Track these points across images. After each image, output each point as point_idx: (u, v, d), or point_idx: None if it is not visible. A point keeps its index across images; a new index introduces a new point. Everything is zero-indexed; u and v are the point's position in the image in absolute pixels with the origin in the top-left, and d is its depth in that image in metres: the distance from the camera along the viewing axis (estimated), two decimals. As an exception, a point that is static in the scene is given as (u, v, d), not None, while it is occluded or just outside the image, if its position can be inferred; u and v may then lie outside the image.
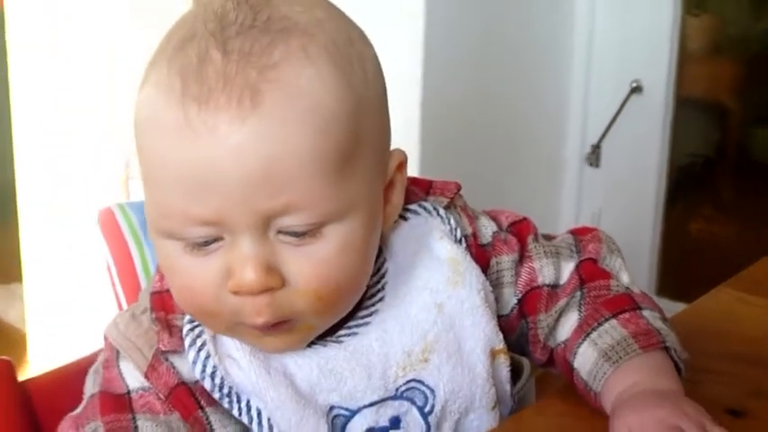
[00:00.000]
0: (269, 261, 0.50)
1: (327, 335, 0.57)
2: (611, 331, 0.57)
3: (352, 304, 0.56)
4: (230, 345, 0.55)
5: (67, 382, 0.64)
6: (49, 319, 2.01)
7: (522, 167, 1.92)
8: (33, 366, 1.79)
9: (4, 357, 0.65)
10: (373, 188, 0.55)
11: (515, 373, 0.68)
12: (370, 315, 0.58)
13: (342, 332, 0.57)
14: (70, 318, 1.90)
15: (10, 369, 0.65)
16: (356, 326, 0.58)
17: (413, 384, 0.58)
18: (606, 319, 0.58)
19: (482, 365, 0.59)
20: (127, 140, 0.74)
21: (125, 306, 0.71)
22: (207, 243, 0.50)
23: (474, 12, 1.76)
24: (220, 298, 0.50)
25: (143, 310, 0.58)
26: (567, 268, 0.62)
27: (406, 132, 1.61)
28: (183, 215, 0.49)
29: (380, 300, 0.59)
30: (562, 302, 0.60)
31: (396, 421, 0.58)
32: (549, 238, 0.65)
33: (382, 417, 0.58)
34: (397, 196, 0.59)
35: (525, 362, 0.71)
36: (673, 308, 0.81)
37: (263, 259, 0.49)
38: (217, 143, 0.46)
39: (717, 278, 0.80)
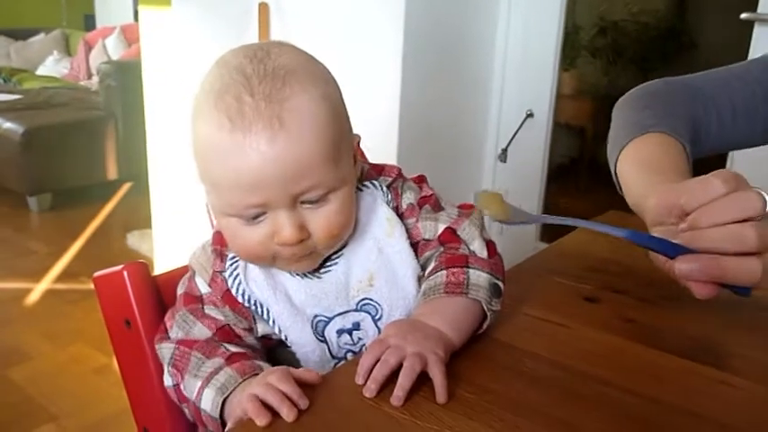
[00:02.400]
0: (299, 223, 0.63)
1: (313, 272, 0.70)
2: (436, 278, 0.67)
3: (345, 239, 0.69)
4: (254, 273, 0.69)
5: (180, 277, 0.76)
6: (167, 251, 2.58)
7: (457, 160, 2.28)
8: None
9: (141, 260, 0.78)
10: (350, 163, 0.67)
11: None
12: (338, 257, 0.70)
13: (321, 270, 0.70)
14: (179, 249, 2.37)
15: (146, 268, 0.78)
16: (329, 265, 0.70)
17: (366, 301, 0.70)
18: (439, 270, 0.67)
19: (411, 286, 0.70)
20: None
21: None
22: (256, 217, 0.63)
23: (433, 53, 2.10)
24: (267, 248, 0.65)
25: (208, 244, 0.72)
26: (440, 230, 0.71)
27: (387, 133, 2.01)
28: (242, 204, 0.62)
29: (345, 246, 0.70)
30: (428, 253, 0.71)
31: (357, 325, 0.71)
32: (453, 206, 0.74)
33: (347, 322, 0.70)
34: (357, 165, 0.69)
35: None
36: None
37: (295, 222, 0.63)
38: (260, 156, 0.59)
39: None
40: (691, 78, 0.98)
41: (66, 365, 2.22)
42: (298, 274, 0.70)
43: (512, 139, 2.40)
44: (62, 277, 2.87)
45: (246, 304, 0.69)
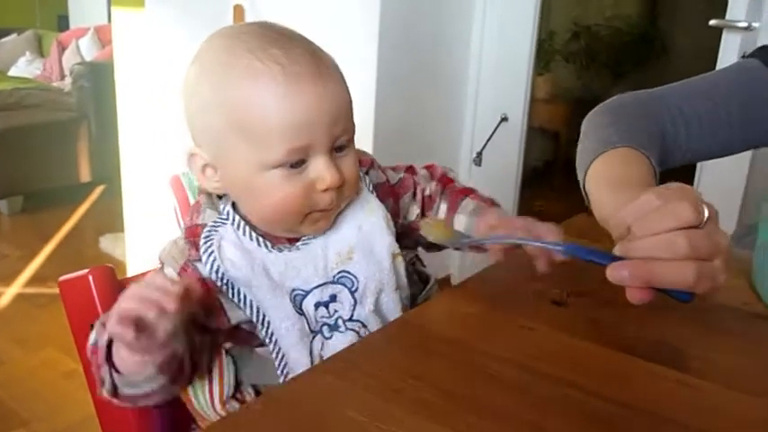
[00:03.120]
0: (337, 167, 0.69)
1: (290, 243, 0.73)
2: (469, 203, 0.80)
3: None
4: (230, 253, 0.70)
5: None
6: (140, 254, 2.58)
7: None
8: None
9: (107, 264, 0.79)
10: None
11: (424, 282, 0.86)
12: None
13: (299, 243, 0.73)
14: (153, 253, 2.43)
15: (112, 272, 0.78)
16: (307, 239, 0.74)
17: (343, 274, 0.74)
18: (463, 199, 0.81)
19: (386, 262, 0.76)
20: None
21: None
22: (297, 165, 0.67)
23: (408, 57, 2.14)
24: (307, 200, 0.68)
25: (179, 239, 0.74)
26: (431, 184, 0.84)
27: (361, 137, 2.22)
28: (291, 146, 0.65)
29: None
30: (437, 202, 0.83)
31: (333, 297, 0.74)
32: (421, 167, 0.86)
33: (324, 294, 0.73)
34: None
35: (431, 274, 0.87)
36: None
37: (335, 166, 0.68)
38: (313, 95, 0.65)
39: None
40: (659, 90, 1.00)
41: (36, 370, 2.19)
42: (275, 248, 0.72)
43: (486, 142, 2.45)
44: (33, 281, 2.83)
45: (219, 284, 0.69)
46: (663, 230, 0.56)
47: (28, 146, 3.61)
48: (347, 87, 0.70)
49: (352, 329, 0.74)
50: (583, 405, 0.59)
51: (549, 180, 3.58)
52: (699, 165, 2.01)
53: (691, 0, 3.81)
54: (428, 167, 0.86)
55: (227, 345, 0.76)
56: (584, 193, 0.87)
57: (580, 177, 0.88)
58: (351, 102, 0.70)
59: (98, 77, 3.67)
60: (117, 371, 0.65)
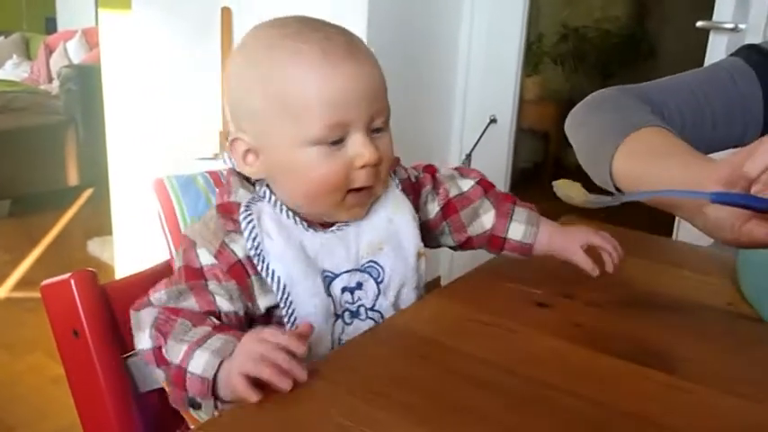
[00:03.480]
0: (375, 146, 0.71)
1: (327, 227, 0.75)
2: (520, 212, 0.82)
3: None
4: (268, 225, 0.72)
5: (131, 285, 0.79)
6: (128, 258, 2.56)
7: (423, 167, 2.46)
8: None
9: (89, 269, 0.77)
10: None
11: None
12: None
13: (334, 227, 0.76)
14: (141, 256, 2.33)
15: (94, 276, 0.77)
16: (341, 225, 0.76)
17: (371, 264, 0.76)
18: (513, 207, 0.83)
19: (412, 259, 0.78)
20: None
21: (171, 242, 0.82)
22: (337, 142, 0.70)
23: (396, 60, 2.05)
24: (348, 175, 0.71)
25: (210, 219, 0.73)
26: (466, 183, 0.83)
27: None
28: (332, 122, 0.69)
29: None
30: (476, 204, 0.82)
31: (360, 285, 0.76)
32: (445, 170, 0.86)
33: (352, 281, 0.75)
34: None
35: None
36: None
37: (374, 144, 0.71)
38: (353, 75, 0.69)
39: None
40: (644, 86, 1.01)
41: (23, 375, 2.17)
42: (312, 228, 0.74)
43: (476, 144, 2.42)
44: (21, 285, 2.80)
45: (254, 253, 0.70)
46: None
47: (15, 149, 3.59)
48: (382, 72, 0.73)
49: (371, 318, 0.76)
50: (567, 408, 0.59)
51: (539, 181, 3.55)
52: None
53: (678, 2, 3.83)
54: (457, 169, 0.87)
55: None
56: (609, 180, 0.87)
57: (604, 163, 0.88)
58: (385, 86, 0.73)
59: (85, 80, 3.65)
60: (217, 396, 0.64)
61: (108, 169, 2.59)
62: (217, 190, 0.80)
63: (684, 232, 2.07)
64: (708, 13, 1.93)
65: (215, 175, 0.90)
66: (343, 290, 0.74)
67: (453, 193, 0.83)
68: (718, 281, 0.89)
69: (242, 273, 0.70)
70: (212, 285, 0.69)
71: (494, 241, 0.83)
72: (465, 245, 0.85)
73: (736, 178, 0.63)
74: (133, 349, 0.78)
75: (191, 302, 0.68)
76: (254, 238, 0.70)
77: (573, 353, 0.68)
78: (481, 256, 0.94)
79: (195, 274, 0.70)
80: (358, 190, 0.72)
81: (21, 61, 4.92)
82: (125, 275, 0.80)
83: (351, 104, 0.69)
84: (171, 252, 0.83)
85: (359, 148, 0.70)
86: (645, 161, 0.83)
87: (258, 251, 0.70)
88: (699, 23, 1.94)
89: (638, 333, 0.73)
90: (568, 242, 0.78)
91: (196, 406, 0.64)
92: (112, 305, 0.77)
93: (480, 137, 2.42)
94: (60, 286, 0.74)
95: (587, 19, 4.11)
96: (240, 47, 0.74)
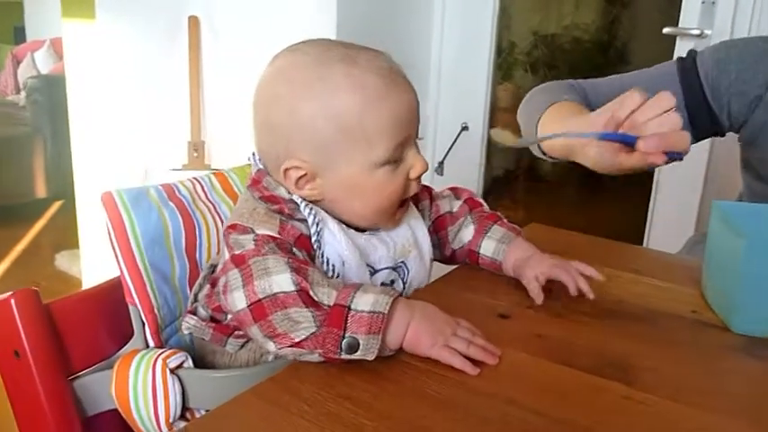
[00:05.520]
0: (422, 156, 0.77)
1: (371, 231, 0.80)
2: (497, 230, 0.87)
3: None
4: (329, 223, 0.76)
5: (76, 304, 0.78)
6: (95, 272, 2.52)
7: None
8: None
9: (33, 287, 0.75)
10: None
11: None
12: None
13: (376, 231, 0.80)
14: (108, 270, 2.37)
15: (37, 295, 0.74)
16: (382, 231, 0.81)
17: (402, 264, 0.82)
18: (491, 225, 0.88)
19: (427, 262, 0.85)
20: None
21: (121, 258, 0.81)
22: (398, 160, 0.74)
23: None
24: (406, 189, 0.76)
25: (253, 208, 0.74)
26: (456, 204, 0.90)
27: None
28: (398, 140, 0.73)
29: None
30: (461, 221, 0.88)
31: (392, 282, 0.81)
32: (443, 191, 0.92)
33: (386, 278, 0.81)
34: None
35: None
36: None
37: (421, 154, 0.77)
38: (409, 95, 0.74)
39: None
40: (581, 81, 1.19)
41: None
42: (359, 229, 0.78)
43: (448, 152, 2.43)
44: (-15, 301, 2.74)
45: (315, 238, 0.73)
46: (657, 114, 0.79)
47: (-18, 161, 3.52)
48: None
49: None
50: (522, 423, 0.57)
51: (512, 188, 3.60)
52: (657, 170, 2.03)
53: (647, 8, 3.86)
54: (452, 189, 0.92)
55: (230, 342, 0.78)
56: (537, 146, 1.08)
57: (531, 127, 1.08)
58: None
59: (53, 91, 3.59)
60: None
61: (74, 191, 2.55)
62: (246, 189, 0.78)
63: (655, 239, 2.07)
64: (675, 20, 1.94)
65: (168, 188, 0.88)
66: (382, 284, 0.79)
67: (444, 210, 0.89)
68: (684, 288, 0.89)
69: (308, 244, 0.73)
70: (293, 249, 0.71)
71: (471, 255, 0.89)
72: (451, 258, 0.91)
73: (611, 121, 0.81)
74: (80, 370, 0.77)
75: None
76: (318, 224, 0.74)
77: (534, 366, 0.67)
78: (442, 268, 0.93)
79: (271, 239, 0.70)
80: (405, 199, 0.78)
81: (-12, 72, 4.83)
82: (70, 293, 0.76)
83: (408, 123, 0.74)
84: (120, 268, 0.81)
85: (412, 160, 0.75)
86: (557, 121, 1.01)
87: (318, 237, 0.73)
88: (665, 30, 1.95)
89: (600, 344, 0.72)
90: (526, 270, 0.82)
91: (353, 348, 0.63)
92: (57, 325, 0.74)
93: (452, 144, 2.42)
94: (1, 306, 0.71)
95: (558, 26, 4.13)
96: (279, 78, 0.74)
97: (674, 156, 0.80)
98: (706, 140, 1.19)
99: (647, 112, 0.79)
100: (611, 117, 0.81)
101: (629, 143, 0.80)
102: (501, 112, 3.01)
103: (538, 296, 0.79)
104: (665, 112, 0.79)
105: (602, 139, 0.83)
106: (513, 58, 3.72)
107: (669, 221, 2.02)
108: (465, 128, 2.41)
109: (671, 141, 0.78)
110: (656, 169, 2.02)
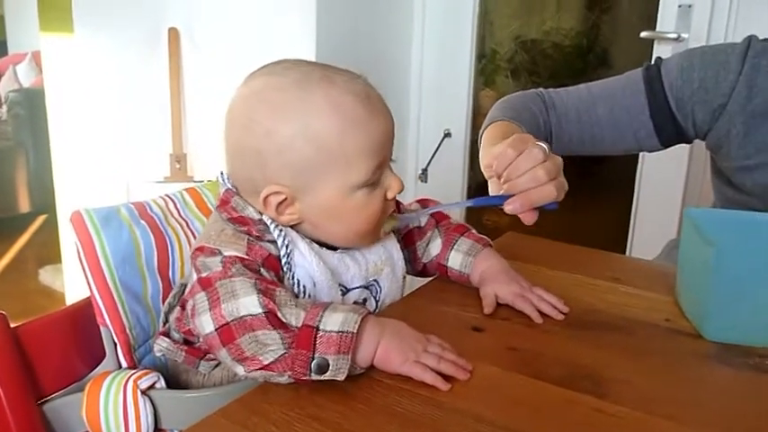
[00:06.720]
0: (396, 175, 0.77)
1: (344, 250, 0.79)
2: (464, 242, 0.87)
3: None
4: (299, 243, 0.75)
5: (44, 328, 0.77)
6: (78, 286, 2.40)
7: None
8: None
9: (0, 312, 0.73)
10: None
11: None
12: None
13: (348, 250, 0.79)
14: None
15: (4, 320, 0.73)
16: (355, 249, 0.80)
17: (373, 282, 0.81)
18: (458, 237, 0.88)
19: (400, 281, 0.85)
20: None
21: (91, 278, 0.82)
22: (375, 182, 0.74)
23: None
24: (383, 208, 0.76)
25: (221, 230, 0.73)
26: (424, 218, 0.90)
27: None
28: (375, 162, 0.72)
29: None
30: (429, 234, 0.89)
31: (364, 301, 0.81)
32: (410, 205, 0.92)
33: (359, 297, 0.81)
34: None
35: None
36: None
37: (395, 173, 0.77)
38: (386, 118, 0.74)
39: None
40: (551, 90, 1.21)
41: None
42: (331, 248, 0.77)
43: (431, 159, 2.43)
44: (-32, 318, 2.71)
45: (285, 260, 0.72)
46: (527, 170, 0.80)
47: (-37, 176, 3.49)
48: None
49: None
50: (492, 441, 0.56)
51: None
52: (638, 174, 2.05)
53: (626, 13, 3.88)
54: (420, 201, 0.92)
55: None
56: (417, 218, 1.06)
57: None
58: None
59: (34, 104, 3.56)
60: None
61: (55, 206, 2.53)
62: (214, 210, 0.77)
63: (638, 245, 2.08)
64: (653, 24, 1.96)
65: (139, 206, 0.88)
66: (354, 303, 0.79)
67: (413, 224, 0.90)
68: (660, 296, 0.89)
69: (276, 265, 0.72)
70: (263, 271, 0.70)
71: (440, 269, 0.89)
72: (423, 272, 0.92)
73: (489, 169, 0.85)
74: (51, 393, 0.76)
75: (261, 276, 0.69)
76: (287, 246, 0.73)
77: (506, 380, 0.67)
78: (415, 281, 0.93)
79: (238, 260, 0.68)
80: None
81: (-31, 86, 4.79)
82: (40, 315, 0.75)
83: (386, 144, 0.74)
84: (91, 288, 0.80)
85: (390, 181, 0.75)
86: (483, 145, 1.05)
87: (288, 259, 0.72)
88: (643, 34, 1.96)
89: (573, 355, 0.72)
90: (486, 287, 0.83)
91: (323, 368, 0.62)
92: (26, 349, 0.73)
93: (435, 151, 2.42)
94: (-32, 329, 0.70)
95: (538, 32, 4.14)
96: (251, 103, 0.73)
97: (547, 207, 0.82)
98: (686, 145, 1.19)
99: (520, 166, 0.81)
100: (492, 163, 0.84)
101: (498, 206, 0.83)
102: (483, 118, 3.01)
103: (489, 306, 0.80)
104: (536, 165, 0.80)
105: (474, 207, 0.86)
106: (495, 64, 3.72)
107: (652, 226, 2.03)
108: (448, 134, 2.42)
109: (533, 199, 0.80)
110: (637, 174, 2.05)
